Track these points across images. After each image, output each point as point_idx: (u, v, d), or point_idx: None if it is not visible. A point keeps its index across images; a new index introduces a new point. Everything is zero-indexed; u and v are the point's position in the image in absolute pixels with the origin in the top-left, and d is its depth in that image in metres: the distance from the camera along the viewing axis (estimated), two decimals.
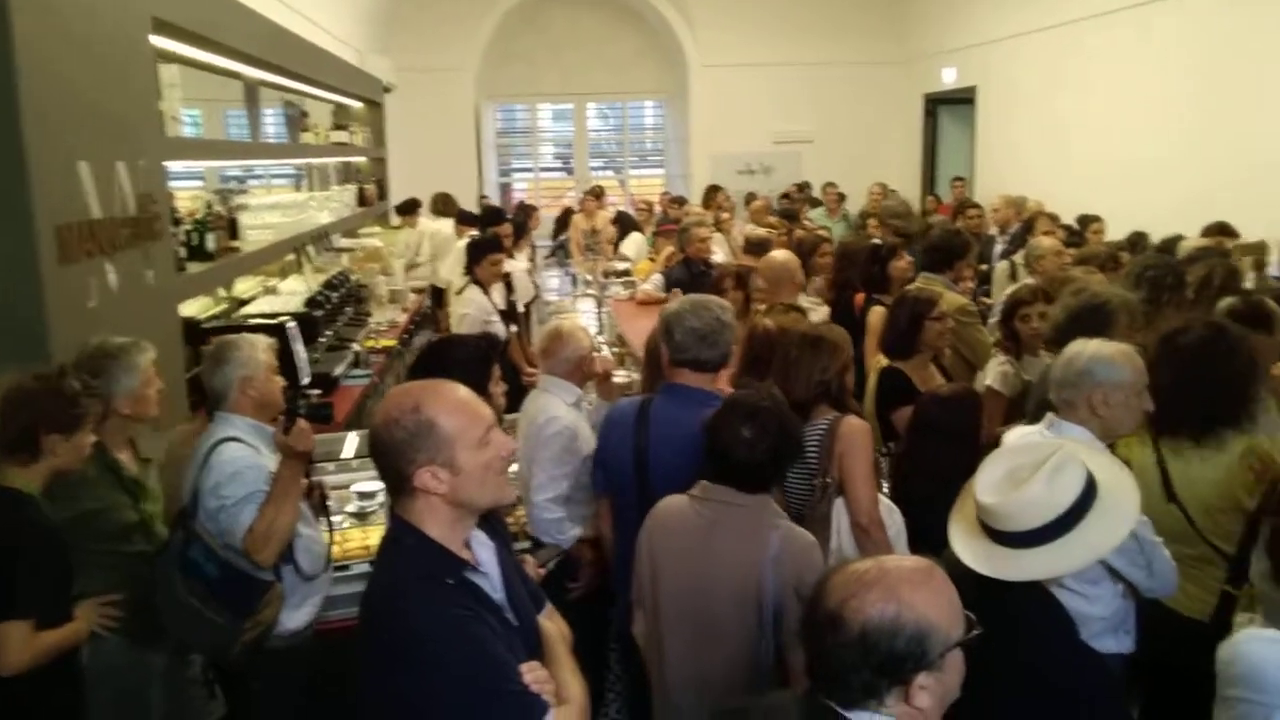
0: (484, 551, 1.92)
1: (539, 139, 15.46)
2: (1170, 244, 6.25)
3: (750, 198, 11.38)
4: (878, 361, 4.24)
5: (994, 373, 4.32)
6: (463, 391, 1.88)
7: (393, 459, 1.81)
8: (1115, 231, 7.31)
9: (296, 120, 7.30)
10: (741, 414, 2.55)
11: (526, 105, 15.11)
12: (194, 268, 4.43)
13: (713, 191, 11.67)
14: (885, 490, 3.35)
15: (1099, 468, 2.22)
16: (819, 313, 5.17)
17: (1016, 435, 2.93)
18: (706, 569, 2.51)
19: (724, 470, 2.57)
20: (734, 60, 13.35)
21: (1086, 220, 7.81)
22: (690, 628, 2.54)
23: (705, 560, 2.52)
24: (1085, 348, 2.79)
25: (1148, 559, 2.61)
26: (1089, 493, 2.12)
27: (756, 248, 6.70)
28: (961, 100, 12.41)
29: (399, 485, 1.83)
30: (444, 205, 10.32)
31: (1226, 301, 3.83)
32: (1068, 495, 2.09)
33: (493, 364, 3.03)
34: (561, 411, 3.67)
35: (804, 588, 2.32)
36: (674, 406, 3.12)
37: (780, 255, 5.45)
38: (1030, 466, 2.12)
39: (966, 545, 2.14)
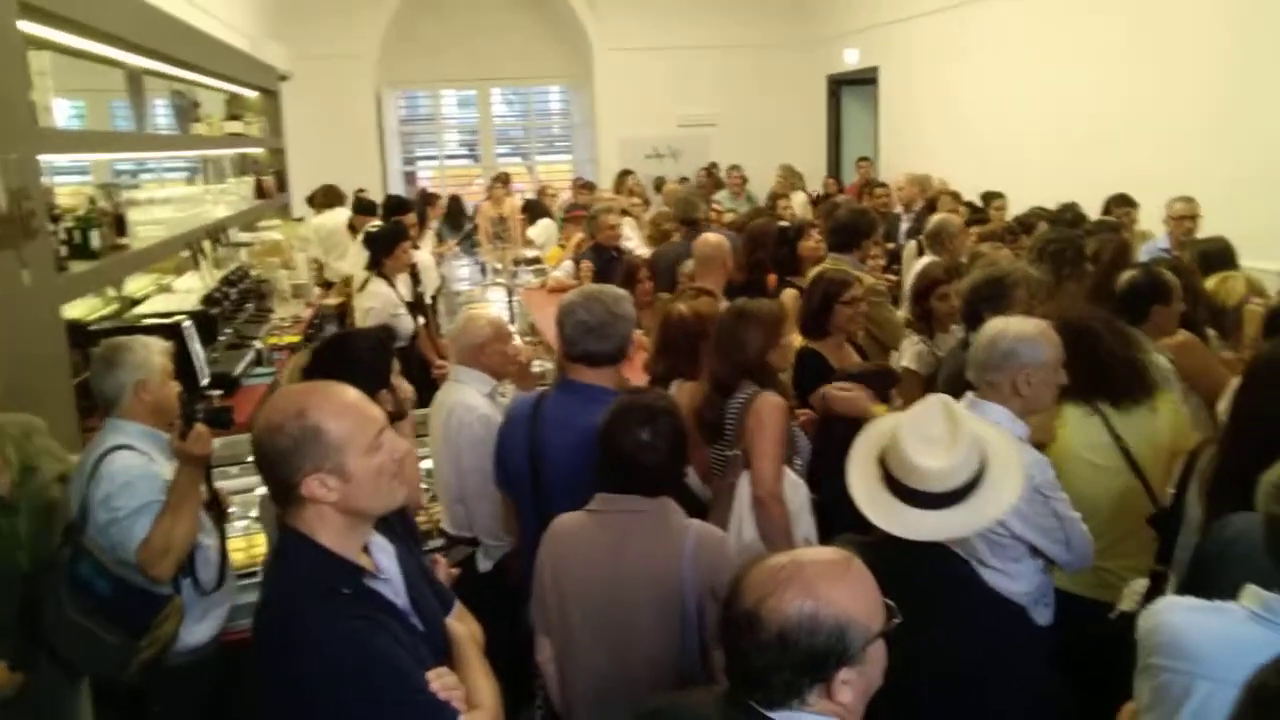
0: (383, 556, 1.84)
1: (443, 126, 15.19)
2: (1062, 214, 6.42)
3: (660, 182, 11.34)
4: (794, 342, 4.22)
5: (910, 352, 4.36)
6: (351, 393, 1.79)
7: (278, 468, 1.71)
8: (1017, 207, 7.45)
9: (187, 110, 7.01)
10: (637, 417, 2.45)
11: (429, 92, 14.83)
12: (77, 267, 4.20)
13: (623, 176, 11.62)
14: (798, 465, 3.35)
15: (979, 426, 2.26)
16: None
17: None
18: (623, 584, 2.41)
19: (626, 478, 2.46)
20: (638, 44, 13.28)
21: (989, 197, 7.96)
22: (610, 647, 2.44)
23: (620, 575, 2.41)
24: (1007, 328, 2.79)
25: (1066, 535, 2.65)
26: (984, 453, 2.18)
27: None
28: (864, 81, 12.55)
29: (286, 495, 1.74)
30: (327, 198, 9.79)
31: (1128, 274, 3.93)
32: (978, 455, 2.14)
33: (393, 356, 2.89)
34: (477, 401, 3.58)
35: (719, 586, 2.29)
36: (568, 404, 3.02)
37: (713, 237, 5.34)
38: (944, 429, 2.14)
39: (880, 510, 2.14)
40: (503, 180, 11.28)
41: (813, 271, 5.26)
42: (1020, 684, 2.03)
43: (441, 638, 1.90)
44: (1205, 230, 5.86)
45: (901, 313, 5.17)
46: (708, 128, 13.76)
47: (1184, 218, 6.09)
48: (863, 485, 2.19)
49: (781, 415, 3.23)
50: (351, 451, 1.71)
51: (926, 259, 5.65)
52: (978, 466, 2.12)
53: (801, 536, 3.18)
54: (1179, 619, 1.82)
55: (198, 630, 2.91)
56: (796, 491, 3.23)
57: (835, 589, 1.48)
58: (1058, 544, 2.69)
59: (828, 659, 1.46)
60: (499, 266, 8.65)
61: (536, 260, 8.36)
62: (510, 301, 7.44)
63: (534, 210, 10.40)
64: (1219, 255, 4.72)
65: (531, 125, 15.39)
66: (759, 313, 3.34)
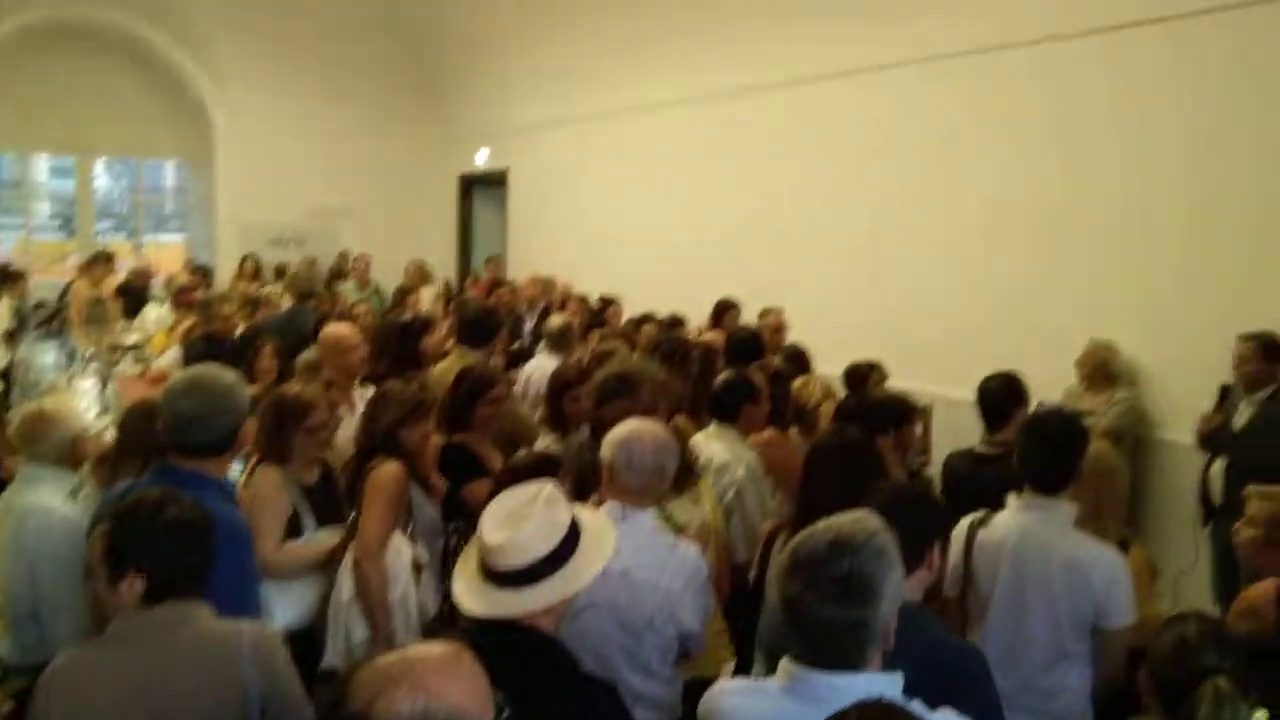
0: None
1: (33, 194, 13.65)
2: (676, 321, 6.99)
3: (283, 267, 10.97)
4: None
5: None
6: None
7: None
8: (632, 309, 7.96)
9: None
10: (152, 508, 2.19)
11: (18, 155, 13.30)
12: None
13: (246, 261, 11.13)
14: (411, 530, 3.56)
15: (577, 510, 2.37)
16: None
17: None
18: (172, 711, 2.11)
19: (155, 586, 2.17)
20: (267, 127, 12.78)
21: (606, 301, 8.43)
22: None
23: (168, 703, 2.11)
24: (649, 438, 2.91)
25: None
26: (575, 526, 2.25)
27: None
28: (495, 182, 12.95)
29: None
30: None
31: (722, 376, 4.32)
32: (558, 532, 2.20)
33: None
34: (54, 503, 3.23)
35: (278, 681, 2.23)
36: None
37: (335, 329, 5.16)
38: (520, 508, 2.21)
39: (470, 593, 2.18)
40: (104, 259, 10.30)
41: (439, 366, 5.28)
42: None
43: None
44: (791, 337, 6.62)
45: None
46: (338, 217, 13.48)
47: (775, 327, 6.81)
48: (463, 577, 2.23)
49: (395, 483, 3.45)
50: None
51: (549, 358, 5.85)
52: (557, 544, 2.18)
53: (398, 598, 3.37)
54: (726, 703, 2.00)
55: None
56: (399, 556, 3.41)
57: (448, 684, 1.46)
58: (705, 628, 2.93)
59: None
60: (92, 353, 7.80)
61: (137, 347, 7.66)
62: (104, 390, 6.72)
63: (130, 295, 9.49)
64: (796, 359, 5.33)
65: (140, 201, 14.25)
66: (397, 394, 3.67)
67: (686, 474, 3.46)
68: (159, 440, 2.92)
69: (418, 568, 3.48)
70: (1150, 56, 5.52)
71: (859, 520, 1.90)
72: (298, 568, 3.46)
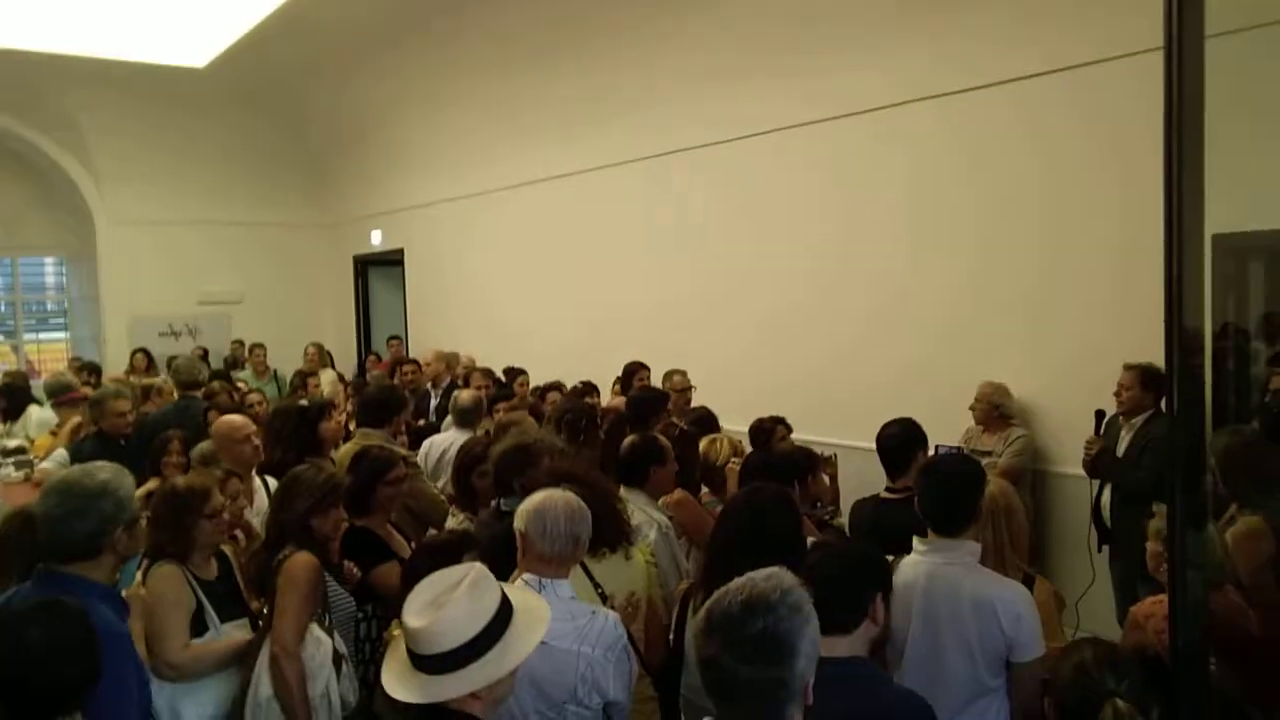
0: None
1: None
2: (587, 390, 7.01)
3: (171, 360, 10.73)
4: None
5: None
6: None
7: None
8: (537, 379, 7.96)
9: None
10: (13, 630, 2.08)
11: None
12: None
13: (136, 355, 10.83)
14: (326, 623, 3.41)
15: (509, 589, 2.34)
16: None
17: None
18: None
19: (18, 711, 2.04)
20: (150, 219, 12.53)
21: (513, 373, 8.39)
22: None
23: None
24: (561, 506, 2.89)
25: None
26: (506, 607, 2.23)
27: None
28: (391, 262, 12.88)
29: None
30: None
31: (629, 439, 4.34)
32: (483, 615, 2.17)
33: None
34: None
35: None
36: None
37: (226, 420, 5.06)
38: (443, 592, 2.18)
39: (397, 680, 2.14)
40: None
41: (341, 450, 5.18)
42: None
43: None
44: (697, 399, 6.69)
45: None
46: (231, 305, 13.21)
47: (682, 389, 6.87)
48: (392, 664, 2.19)
49: (310, 573, 3.33)
50: None
51: (457, 434, 5.79)
52: (482, 628, 2.15)
53: (319, 693, 3.25)
54: None
55: None
56: (319, 647, 3.30)
57: None
58: (629, 696, 2.89)
59: None
60: None
61: (20, 450, 7.30)
62: None
63: (11, 397, 9.05)
64: (704, 422, 5.37)
65: (18, 300, 13.74)
66: (308, 480, 3.57)
67: (618, 533, 3.43)
68: (39, 545, 2.78)
69: (338, 660, 3.37)
70: (996, 115, 5.83)
71: (772, 577, 1.89)
72: (207, 667, 3.32)
